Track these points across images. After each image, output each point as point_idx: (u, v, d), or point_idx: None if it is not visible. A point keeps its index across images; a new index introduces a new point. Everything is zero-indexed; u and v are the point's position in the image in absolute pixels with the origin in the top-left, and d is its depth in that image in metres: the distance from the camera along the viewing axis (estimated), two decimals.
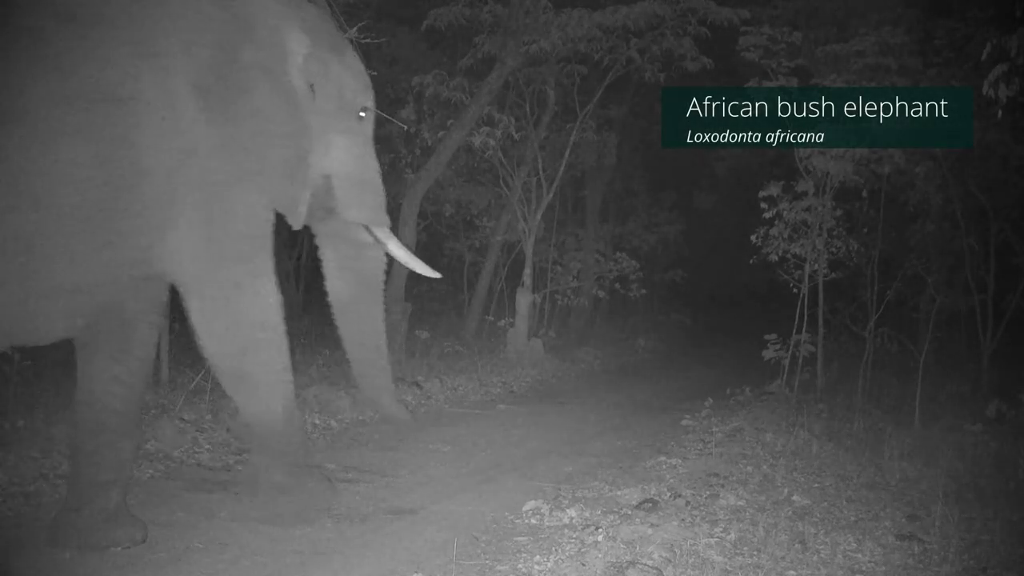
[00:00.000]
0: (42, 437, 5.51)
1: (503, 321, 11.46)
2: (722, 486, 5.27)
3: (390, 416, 5.26)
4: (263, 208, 4.23)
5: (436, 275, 5.33)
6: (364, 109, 4.59)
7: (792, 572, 4.03)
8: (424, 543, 4.39)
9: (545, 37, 9.54)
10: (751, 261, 8.98)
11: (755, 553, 4.19)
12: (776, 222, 8.50)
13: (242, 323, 4.23)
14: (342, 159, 4.52)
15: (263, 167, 4.17)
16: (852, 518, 4.86)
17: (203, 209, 4.00)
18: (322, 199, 4.52)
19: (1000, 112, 5.30)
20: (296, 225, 4.47)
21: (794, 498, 5.10)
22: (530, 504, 5.00)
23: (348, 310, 4.76)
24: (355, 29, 6.93)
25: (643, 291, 13.94)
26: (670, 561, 4.03)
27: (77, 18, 3.71)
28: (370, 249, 4.79)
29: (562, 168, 11.55)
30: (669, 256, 16.47)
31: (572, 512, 4.82)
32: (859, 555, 4.28)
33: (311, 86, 4.34)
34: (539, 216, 11.73)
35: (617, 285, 13.99)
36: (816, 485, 5.47)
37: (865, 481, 5.62)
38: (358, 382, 5.07)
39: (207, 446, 6.02)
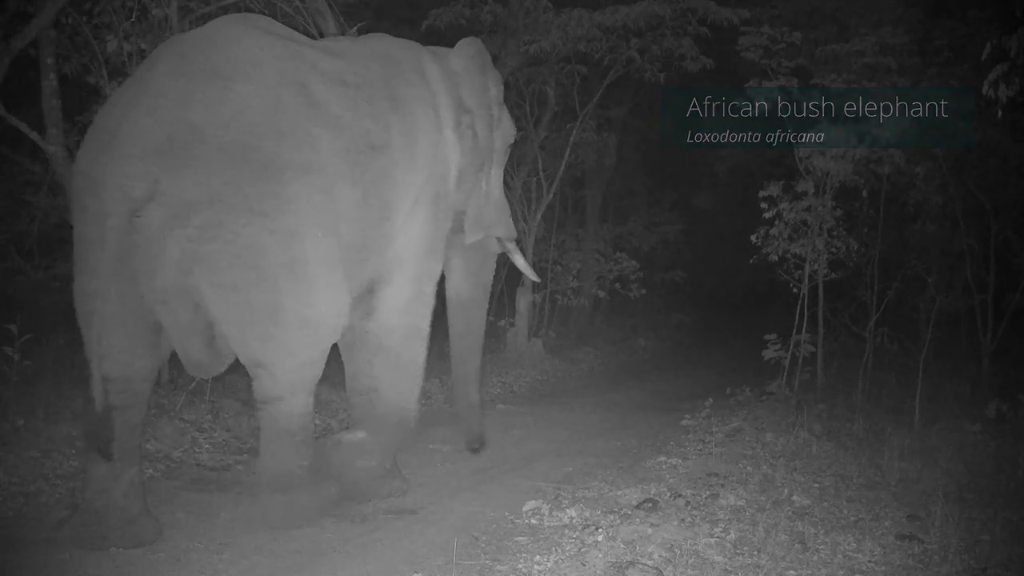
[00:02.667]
0: (42, 437, 5.52)
1: (503, 321, 11.45)
2: (722, 486, 5.26)
3: (467, 406, 5.88)
4: (446, 226, 5.24)
5: (538, 279, 7.12)
6: (510, 145, 5.74)
7: (792, 572, 4.03)
8: (424, 543, 4.39)
9: (545, 37, 9.55)
10: (751, 261, 8.97)
11: (755, 553, 4.19)
12: (776, 222, 8.49)
13: (418, 316, 5.10)
14: (495, 185, 5.60)
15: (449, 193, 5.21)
16: (852, 518, 4.86)
17: (419, 216, 4.93)
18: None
19: (1000, 112, 5.30)
20: (468, 240, 5.49)
21: (794, 498, 5.10)
22: (530, 504, 5.00)
23: (463, 308, 5.67)
24: (355, 29, 6.93)
25: (643, 291, 13.93)
26: (670, 561, 4.03)
27: (346, 82, 4.57)
28: (492, 258, 5.85)
29: (562, 168, 11.55)
30: (669, 256, 16.45)
31: (572, 512, 4.82)
32: (859, 555, 4.28)
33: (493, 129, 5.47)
34: (539, 216, 11.73)
35: (617, 285, 13.98)
36: (816, 485, 5.47)
37: (865, 481, 5.62)
38: (453, 370, 5.90)
39: (207, 446, 6.02)
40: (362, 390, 5.09)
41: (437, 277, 5.23)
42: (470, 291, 5.70)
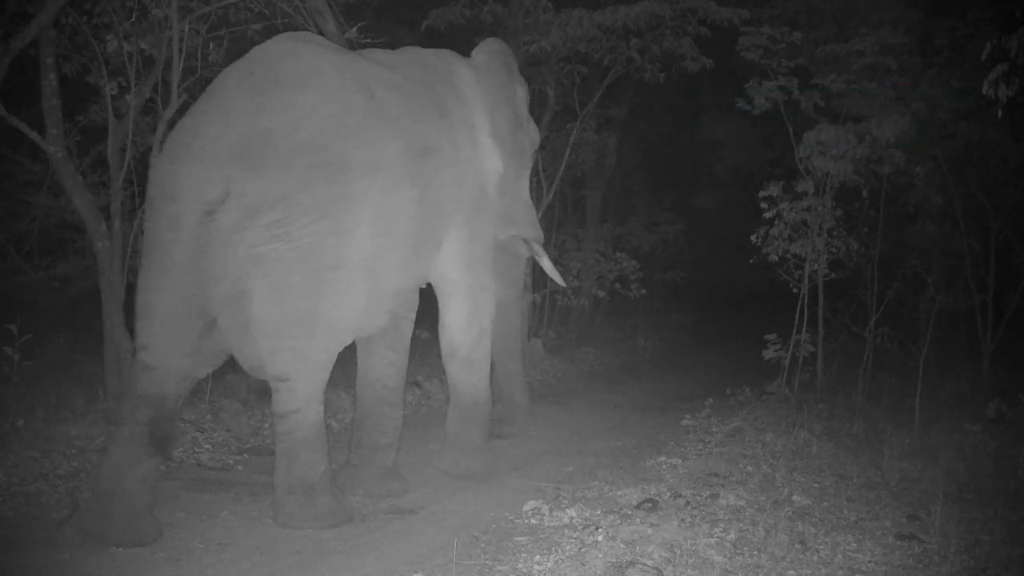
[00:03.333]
0: (42, 437, 5.52)
1: None
2: (722, 486, 5.26)
3: (513, 403, 6.31)
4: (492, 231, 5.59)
5: (564, 283, 7.40)
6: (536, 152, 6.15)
7: (792, 572, 4.03)
8: (424, 543, 4.40)
9: (545, 37, 9.53)
10: (751, 261, 8.97)
11: (755, 553, 4.19)
12: (776, 222, 8.49)
13: (482, 316, 5.45)
14: (523, 186, 5.97)
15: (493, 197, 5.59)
16: (852, 518, 4.86)
17: (464, 228, 5.25)
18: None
19: (1000, 112, 5.30)
20: (499, 236, 5.78)
21: (794, 498, 5.10)
22: (530, 504, 5.00)
23: (499, 311, 5.78)
24: (355, 29, 6.93)
25: (643, 291, 13.91)
26: (670, 561, 4.03)
27: (401, 88, 4.88)
28: (521, 260, 6.29)
29: (562, 168, 11.53)
30: (669, 256, 16.43)
31: (572, 512, 4.82)
32: (859, 555, 4.29)
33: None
34: (539, 216, 11.70)
35: (617, 285, 13.97)
36: (816, 485, 5.47)
37: (865, 481, 5.62)
38: (495, 373, 6.14)
39: (207, 446, 6.02)
40: (374, 384, 5.26)
41: (491, 279, 5.57)
42: (503, 292, 5.94)
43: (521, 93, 5.72)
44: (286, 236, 4.18)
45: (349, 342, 4.72)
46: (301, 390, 4.42)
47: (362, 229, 4.44)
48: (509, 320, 6.22)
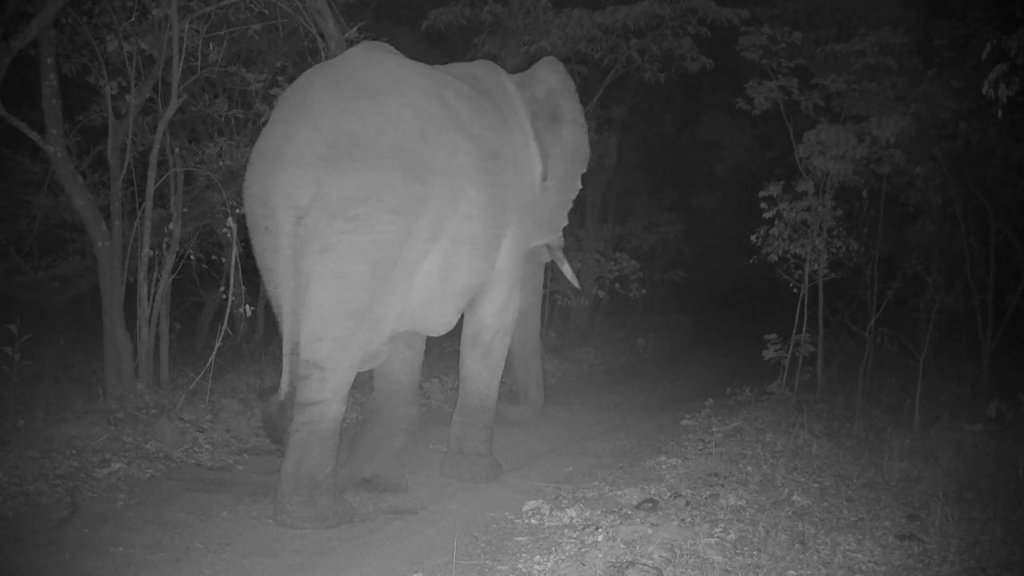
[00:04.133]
0: (42, 437, 5.51)
1: None
2: (722, 486, 5.26)
3: (530, 400, 6.57)
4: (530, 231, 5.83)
5: (579, 287, 7.86)
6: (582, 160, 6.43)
7: (792, 572, 4.03)
8: (424, 543, 4.40)
9: (545, 37, 9.54)
10: (751, 261, 8.97)
11: (755, 553, 4.19)
12: (776, 222, 8.49)
13: (511, 310, 5.61)
14: (562, 194, 6.24)
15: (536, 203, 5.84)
16: (852, 518, 4.85)
17: (518, 226, 5.46)
18: None
19: (1000, 112, 5.30)
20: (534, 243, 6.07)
21: (794, 498, 5.10)
22: (530, 504, 5.00)
23: (522, 316, 5.99)
24: (355, 29, 6.94)
25: (643, 291, 13.92)
26: (670, 561, 4.03)
27: (470, 96, 5.14)
28: (541, 267, 6.53)
29: None
30: (669, 256, 16.44)
31: (572, 512, 4.82)
32: (859, 555, 4.28)
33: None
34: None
35: (617, 285, 13.98)
36: (816, 485, 5.47)
37: (865, 481, 5.61)
38: (516, 374, 6.61)
39: (207, 446, 6.02)
40: (388, 377, 5.41)
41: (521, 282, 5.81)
42: (526, 298, 6.15)
43: (566, 105, 6.07)
44: (363, 229, 4.42)
45: (386, 341, 4.81)
46: (332, 381, 4.52)
47: (434, 231, 4.70)
48: (532, 323, 6.54)
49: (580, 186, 6.42)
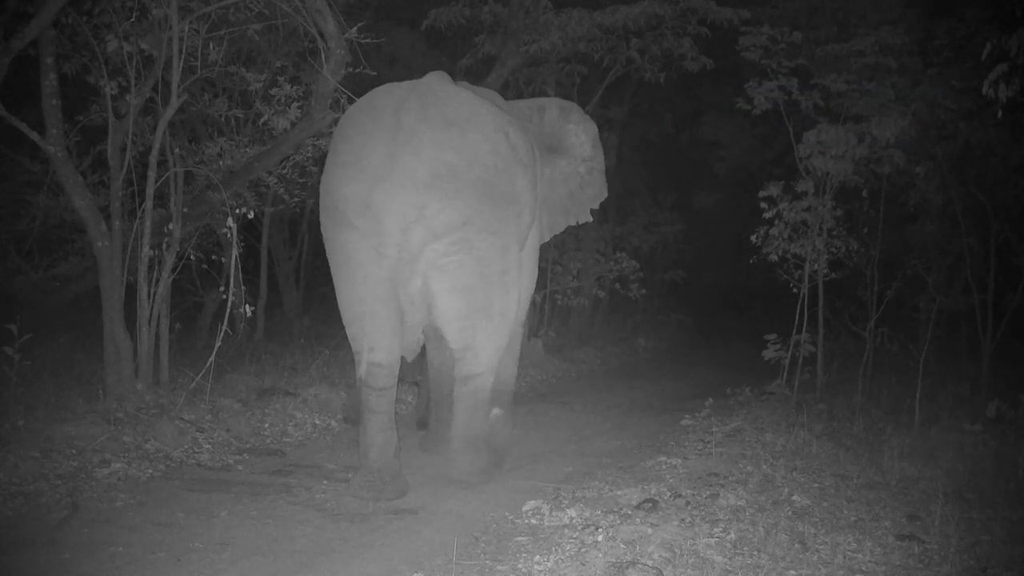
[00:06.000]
0: (42, 437, 5.51)
1: None
2: (722, 486, 5.26)
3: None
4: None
5: None
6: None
7: (792, 572, 4.03)
8: (424, 543, 4.40)
9: (545, 37, 9.53)
10: (751, 261, 8.97)
11: (755, 553, 4.19)
12: (776, 222, 8.49)
13: (526, 299, 6.12)
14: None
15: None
16: (852, 518, 4.85)
17: (537, 224, 6.12)
18: None
19: (1000, 112, 5.30)
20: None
21: (794, 498, 5.10)
22: (530, 504, 5.00)
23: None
24: (355, 29, 6.92)
25: (643, 291, 13.91)
26: (670, 561, 4.03)
27: (521, 130, 5.72)
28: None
29: None
30: (669, 256, 16.43)
31: (572, 512, 4.82)
32: (859, 555, 4.28)
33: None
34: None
35: (617, 285, 13.97)
36: (816, 485, 5.47)
37: (865, 481, 5.61)
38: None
39: (207, 446, 6.02)
40: (442, 369, 6.09)
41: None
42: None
43: (571, 130, 6.37)
44: (465, 251, 5.20)
45: (513, 330, 5.75)
46: (484, 356, 5.46)
47: (514, 243, 5.52)
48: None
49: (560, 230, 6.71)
